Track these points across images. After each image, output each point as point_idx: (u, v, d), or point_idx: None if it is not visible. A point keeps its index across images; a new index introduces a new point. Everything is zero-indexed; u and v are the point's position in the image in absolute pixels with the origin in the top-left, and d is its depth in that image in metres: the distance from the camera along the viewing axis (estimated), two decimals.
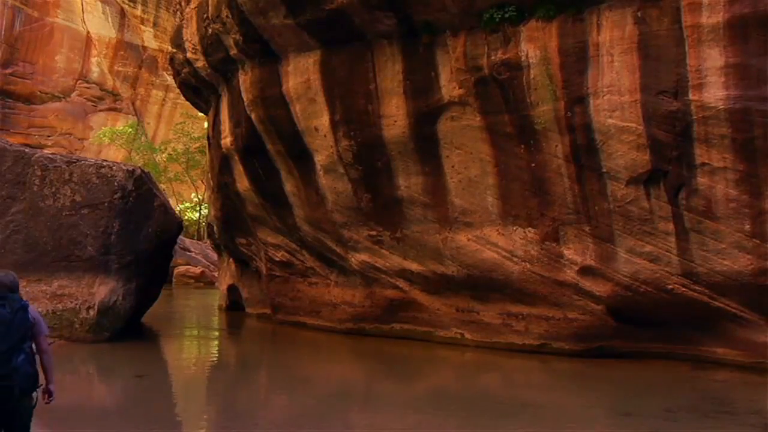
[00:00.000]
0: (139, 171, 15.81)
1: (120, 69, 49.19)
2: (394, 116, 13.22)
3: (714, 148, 10.39)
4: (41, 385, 4.68)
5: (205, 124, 24.95)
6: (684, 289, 11.50)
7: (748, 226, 10.48)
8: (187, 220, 40.74)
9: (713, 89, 10.14)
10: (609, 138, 11.15)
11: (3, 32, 44.37)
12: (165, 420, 8.62)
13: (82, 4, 48.00)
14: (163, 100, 50.16)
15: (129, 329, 15.10)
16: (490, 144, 12.52)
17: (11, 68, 45.19)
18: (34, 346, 4.60)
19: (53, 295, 14.38)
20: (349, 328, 16.00)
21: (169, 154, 42.06)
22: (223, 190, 18.37)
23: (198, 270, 34.42)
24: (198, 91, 18.91)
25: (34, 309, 4.76)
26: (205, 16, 15.40)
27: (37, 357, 4.65)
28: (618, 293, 12.06)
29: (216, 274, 31.24)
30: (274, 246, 17.67)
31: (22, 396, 4.43)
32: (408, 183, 13.69)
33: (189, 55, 17.13)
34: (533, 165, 12.13)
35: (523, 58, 11.60)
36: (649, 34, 10.57)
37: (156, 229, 15.75)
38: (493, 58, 11.85)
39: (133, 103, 49.64)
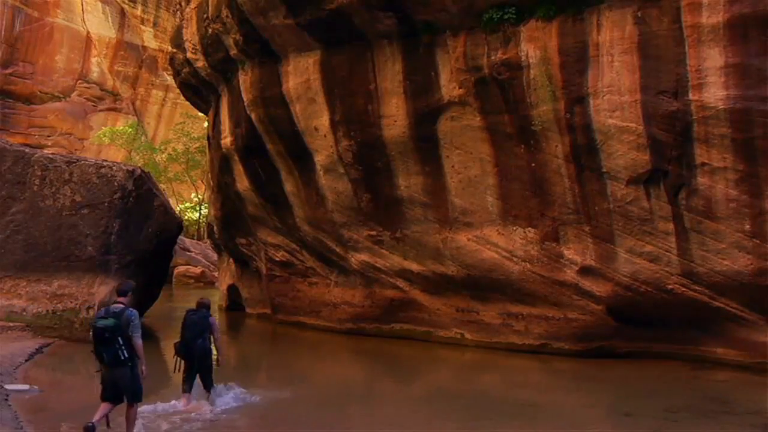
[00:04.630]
0: (139, 171, 15.82)
1: (120, 69, 49.18)
2: (394, 116, 13.22)
3: (714, 148, 10.38)
4: (216, 356, 9.28)
5: (205, 124, 24.95)
6: (684, 289, 11.50)
7: (748, 226, 10.47)
8: (187, 220, 40.71)
9: (713, 89, 10.14)
10: (609, 138, 11.15)
11: (3, 32, 44.36)
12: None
13: (82, 4, 47.98)
14: (163, 100, 50.15)
15: None
16: (490, 144, 12.51)
17: (11, 68, 45.18)
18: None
19: (53, 295, 14.39)
20: (349, 328, 16.00)
21: (169, 154, 42.00)
22: (223, 190, 18.37)
23: (198, 270, 34.39)
24: (198, 91, 18.91)
25: (214, 318, 9.26)
26: (205, 16, 15.40)
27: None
28: (618, 293, 12.05)
29: (216, 274, 31.23)
30: (274, 246, 17.67)
31: (200, 359, 8.85)
32: (408, 183, 13.69)
33: (189, 55, 17.13)
34: (533, 165, 12.13)
35: (523, 58, 11.59)
36: (649, 34, 10.56)
37: (156, 229, 15.77)
38: (493, 58, 11.85)
39: (133, 103, 49.64)
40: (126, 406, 7.32)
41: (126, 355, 7.09)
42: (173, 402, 8.79)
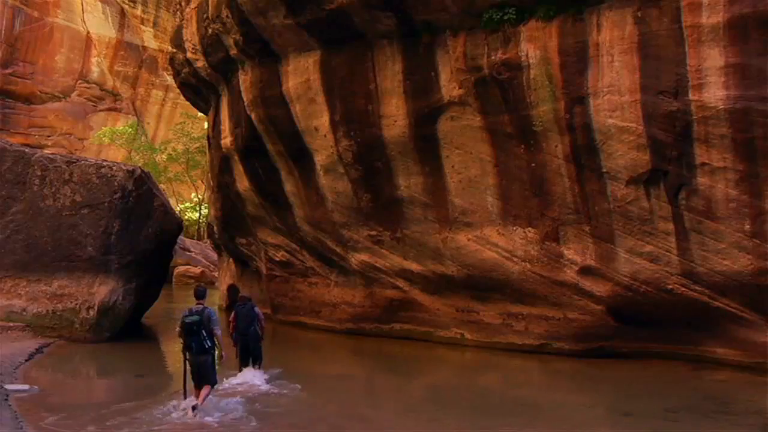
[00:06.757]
0: (139, 171, 15.81)
1: (120, 69, 49.15)
2: (394, 116, 13.22)
3: (714, 148, 10.39)
4: (262, 339, 11.36)
5: (205, 124, 24.96)
6: (684, 289, 11.50)
7: (748, 226, 10.48)
8: (187, 220, 40.72)
9: (713, 89, 10.14)
10: (609, 138, 11.15)
11: (3, 32, 44.33)
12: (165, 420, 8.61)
13: (82, 4, 47.94)
14: (163, 100, 50.12)
15: (129, 329, 15.10)
16: (490, 144, 12.52)
17: (11, 68, 45.15)
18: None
19: (53, 295, 14.40)
20: (349, 328, 16.00)
21: (169, 154, 42.00)
22: (223, 190, 18.37)
23: (198, 270, 34.38)
24: (198, 91, 18.91)
25: (259, 309, 11.54)
26: (205, 16, 15.41)
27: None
28: (618, 293, 12.06)
29: (216, 274, 31.23)
30: (274, 246, 17.67)
31: (253, 343, 11.10)
32: (408, 183, 13.69)
33: (189, 55, 17.14)
34: (533, 165, 12.13)
35: (523, 58, 11.60)
36: (649, 34, 10.57)
37: (156, 229, 15.77)
38: (493, 58, 11.85)
39: (133, 103, 49.62)
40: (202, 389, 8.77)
41: (209, 345, 8.69)
42: (236, 376, 10.72)
